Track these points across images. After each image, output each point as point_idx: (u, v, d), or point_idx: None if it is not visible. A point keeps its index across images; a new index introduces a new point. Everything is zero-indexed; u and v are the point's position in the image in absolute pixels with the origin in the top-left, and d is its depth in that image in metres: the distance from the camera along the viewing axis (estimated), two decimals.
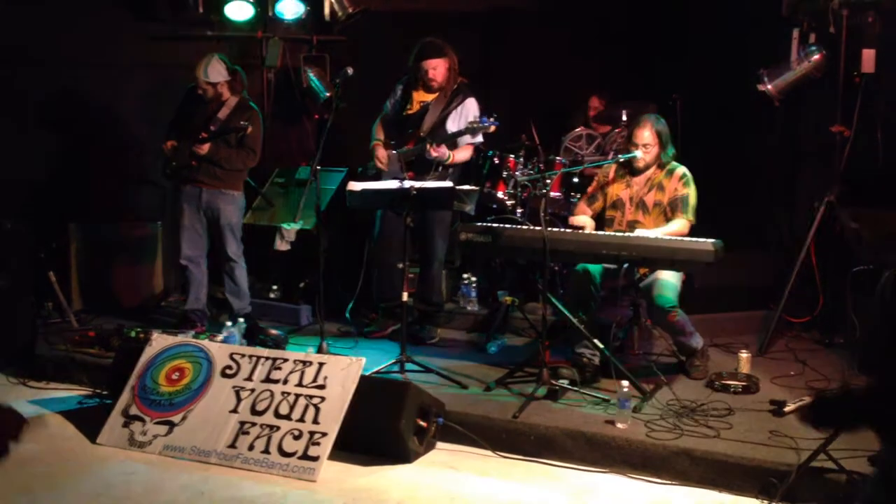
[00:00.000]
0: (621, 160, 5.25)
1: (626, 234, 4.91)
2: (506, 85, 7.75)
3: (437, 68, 5.81)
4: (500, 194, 6.59)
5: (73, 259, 6.74)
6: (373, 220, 6.10)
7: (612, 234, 4.89)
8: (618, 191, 5.26)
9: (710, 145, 6.51)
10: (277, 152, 7.41)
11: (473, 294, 6.55)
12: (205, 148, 5.77)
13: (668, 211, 5.12)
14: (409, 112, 5.97)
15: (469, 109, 5.84)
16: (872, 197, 2.84)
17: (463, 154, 5.86)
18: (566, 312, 4.93)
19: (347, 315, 6.14)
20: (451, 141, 5.76)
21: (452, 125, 5.81)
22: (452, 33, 7.34)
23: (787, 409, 4.43)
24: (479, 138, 5.87)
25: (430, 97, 5.91)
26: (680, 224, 5.03)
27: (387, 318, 6.12)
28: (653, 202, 5.15)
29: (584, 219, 5.26)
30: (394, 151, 5.90)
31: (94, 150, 7.17)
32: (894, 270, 2.62)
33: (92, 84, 7.08)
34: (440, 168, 5.74)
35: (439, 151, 5.68)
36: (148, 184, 7.13)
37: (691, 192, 5.10)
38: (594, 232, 4.99)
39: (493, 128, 5.53)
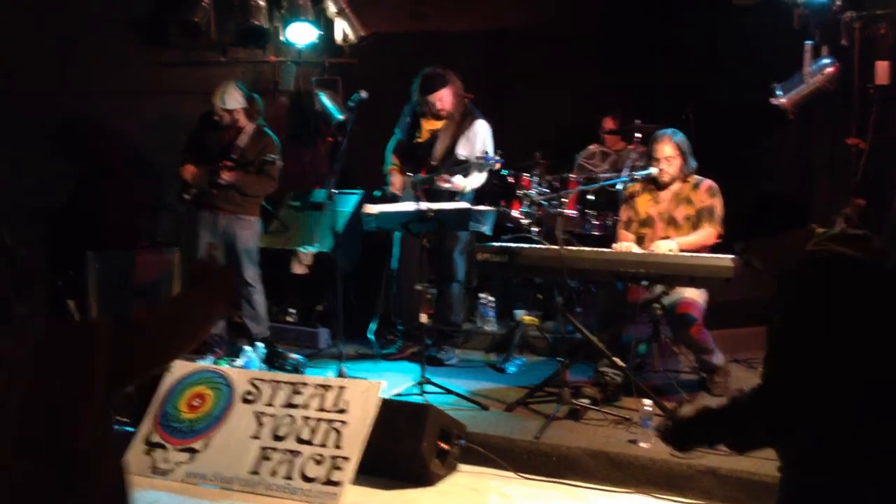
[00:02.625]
0: (637, 177, 5.23)
1: (645, 250, 4.90)
2: (516, 103, 7.77)
3: (443, 98, 5.82)
4: (515, 213, 6.59)
5: (91, 287, 6.75)
6: (390, 241, 6.11)
7: (630, 251, 4.88)
8: (647, 208, 5.24)
9: (724, 160, 6.49)
10: (291, 175, 7.41)
11: (491, 313, 6.55)
12: (232, 176, 5.79)
13: (697, 223, 5.10)
14: (419, 140, 5.99)
15: (478, 132, 5.84)
16: (753, 226, 2.97)
17: (475, 181, 5.85)
18: (584, 332, 4.91)
19: (370, 336, 6.12)
20: (461, 170, 5.77)
21: (463, 150, 5.81)
22: (461, 53, 7.41)
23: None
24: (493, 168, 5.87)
25: (439, 125, 5.92)
26: (706, 233, 5.02)
27: (405, 339, 6.12)
28: (683, 217, 5.12)
29: (628, 244, 5.15)
30: (409, 178, 5.91)
31: (109, 177, 7.21)
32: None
33: (105, 111, 7.12)
34: (455, 197, 5.75)
35: (452, 183, 5.68)
36: (163, 209, 7.16)
37: (718, 203, 5.08)
38: (611, 250, 4.98)
39: (498, 165, 5.53)
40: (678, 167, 5.14)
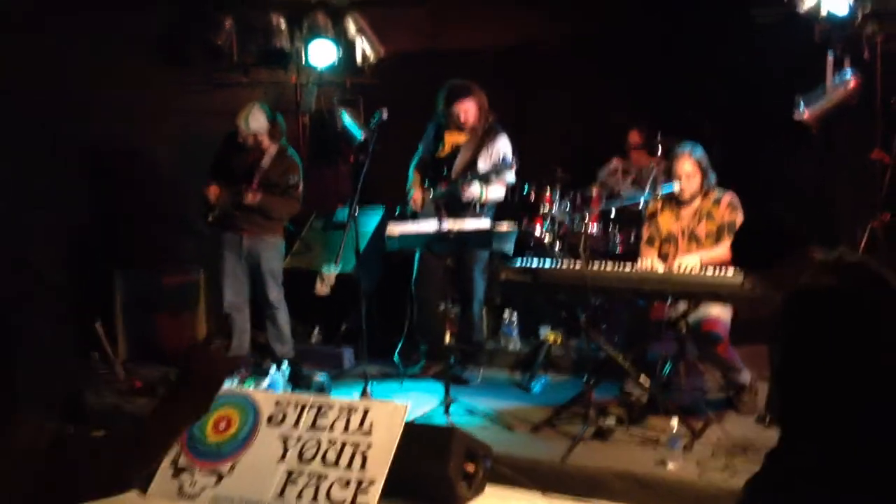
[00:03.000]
0: (660, 195, 5.21)
1: (668, 267, 4.88)
2: (537, 119, 7.76)
3: (468, 110, 5.82)
4: (536, 230, 6.57)
5: (118, 308, 6.81)
6: (412, 261, 6.12)
7: (654, 269, 4.86)
8: (669, 225, 5.23)
9: (747, 174, 6.46)
10: (314, 195, 7.43)
11: (514, 332, 6.53)
12: (257, 197, 5.83)
13: (718, 238, 5.08)
14: (442, 154, 6.00)
15: (499, 148, 5.84)
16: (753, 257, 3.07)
17: (496, 192, 5.85)
18: (610, 351, 4.89)
19: (396, 358, 6.13)
20: (483, 181, 5.76)
21: (483, 164, 5.82)
22: (483, 69, 7.41)
23: None
24: (511, 177, 5.87)
25: (462, 138, 5.93)
26: (727, 247, 4.96)
27: (429, 359, 6.12)
28: (705, 233, 5.10)
29: (652, 261, 5.11)
30: (429, 195, 5.92)
31: (135, 198, 7.26)
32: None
33: (130, 132, 7.19)
34: (475, 207, 5.74)
35: (470, 192, 5.69)
36: (188, 230, 7.20)
37: (739, 217, 5.06)
38: (635, 268, 4.95)
39: (513, 167, 5.51)
40: (698, 183, 5.12)
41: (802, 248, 2.93)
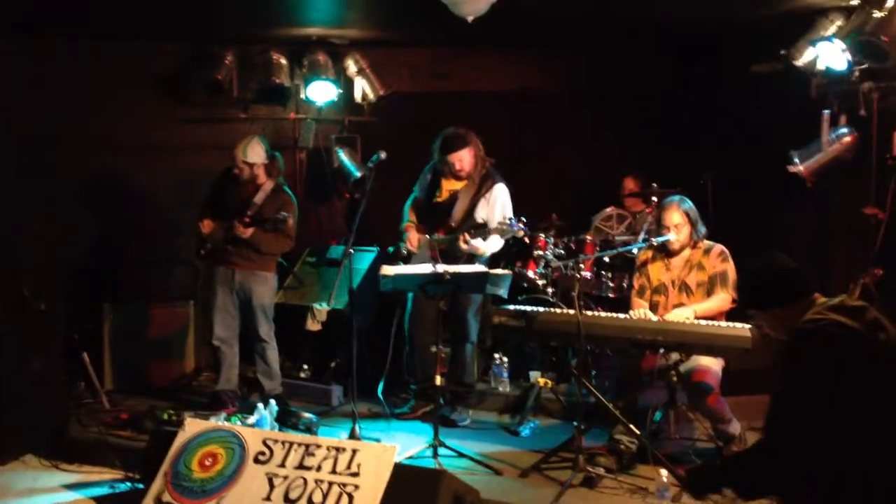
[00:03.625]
0: (655, 243, 5.23)
1: (663, 317, 4.88)
2: (535, 164, 7.81)
3: (462, 159, 5.85)
4: (530, 274, 6.58)
5: (106, 339, 6.78)
6: (404, 300, 6.10)
7: (648, 319, 4.86)
8: (659, 275, 5.24)
9: (742, 226, 6.49)
10: (308, 231, 7.46)
11: (505, 374, 6.51)
12: (248, 232, 5.82)
13: (710, 289, 5.09)
14: (439, 200, 6.02)
15: (497, 196, 5.87)
16: (760, 299, 3.21)
17: (494, 245, 5.85)
18: (600, 398, 4.88)
19: (379, 394, 6.09)
20: (482, 233, 5.78)
21: (482, 212, 5.84)
22: (482, 113, 7.47)
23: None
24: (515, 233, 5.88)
25: (459, 185, 5.95)
26: (720, 299, 5.00)
27: (419, 399, 6.09)
28: (696, 283, 5.11)
29: (645, 311, 5.09)
30: (426, 237, 5.93)
31: (128, 231, 7.29)
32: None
33: (125, 166, 7.22)
34: (473, 259, 5.76)
35: (471, 245, 5.69)
36: (180, 263, 7.20)
37: (730, 268, 5.08)
38: (629, 317, 4.95)
39: (521, 232, 5.54)
40: (687, 234, 5.15)
41: (807, 291, 3.10)
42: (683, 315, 4.83)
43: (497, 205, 5.83)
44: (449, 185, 5.99)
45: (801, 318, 2.98)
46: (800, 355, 2.90)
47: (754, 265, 3.32)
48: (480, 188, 5.87)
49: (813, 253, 6.51)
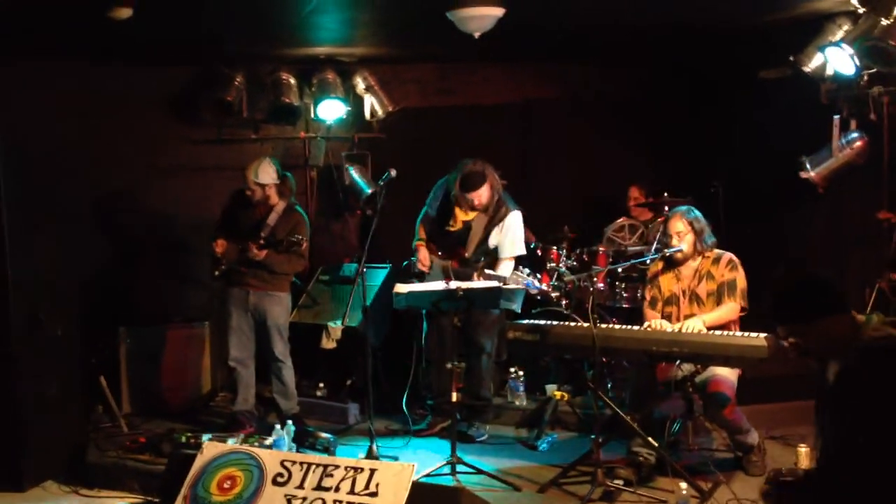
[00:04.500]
0: (668, 254, 5.21)
1: (677, 329, 4.87)
2: (544, 175, 7.82)
3: (481, 196, 5.86)
4: (543, 286, 6.57)
5: (123, 362, 6.80)
6: (420, 317, 6.11)
7: (664, 330, 4.85)
8: (670, 286, 5.22)
9: (754, 233, 6.48)
10: (320, 249, 7.49)
11: (521, 388, 6.49)
12: (262, 254, 5.84)
13: (719, 298, 5.07)
14: (453, 229, 6.04)
15: (510, 225, 5.89)
16: (796, 313, 3.05)
17: (506, 273, 5.84)
18: (617, 410, 4.86)
19: (404, 406, 6.05)
20: (493, 258, 5.81)
21: (494, 240, 5.87)
22: (488, 126, 7.49)
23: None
24: (521, 251, 5.91)
25: (472, 215, 5.97)
26: (728, 308, 4.97)
27: (436, 415, 6.10)
28: (706, 293, 5.09)
29: (661, 321, 5.06)
30: (437, 262, 5.94)
31: (142, 253, 7.32)
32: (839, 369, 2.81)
33: (139, 188, 7.26)
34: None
35: (482, 281, 5.69)
36: (195, 284, 7.22)
37: (739, 277, 5.05)
38: (644, 329, 4.94)
39: (534, 291, 5.58)
40: (690, 243, 5.11)
41: (844, 305, 2.95)
42: (694, 326, 4.81)
43: (510, 233, 5.86)
44: (463, 216, 6.01)
45: (846, 334, 2.83)
46: (878, 374, 2.72)
47: (786, 277, 3.20)
48: (494, 217, 5.90)
49: (826, 259, 6.50)
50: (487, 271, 5.68)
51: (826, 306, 2.99)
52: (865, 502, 2.64)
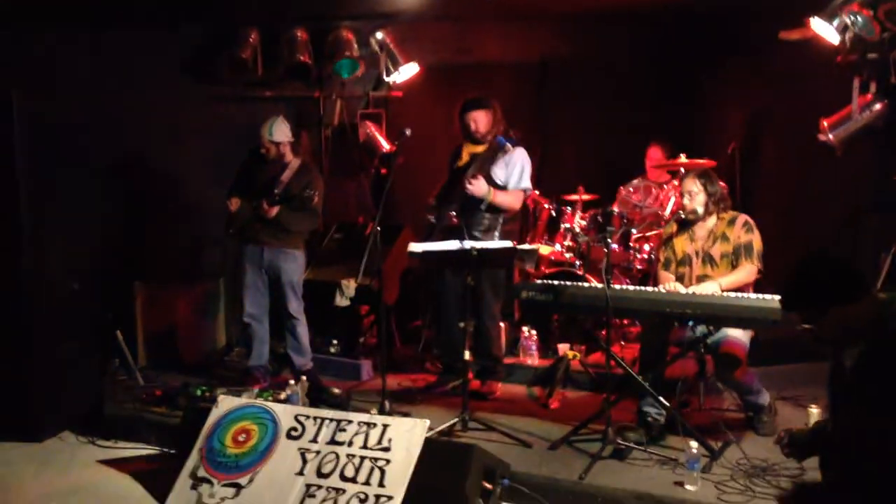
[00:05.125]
0: (683, 217, 5.19)
1: (691, 290, 4.87)
2: (561, 135, 7.78)
3: (478, 119, 5.87)
4: (557, 247, 6.58)
5: (139, 316, 6.87)
6: (432, 275, 6.13)
7: (677, 291, 4.85)
8: (684, 247, 5.21)
9: (770, 195, 6.45)
10: (335, 207, 7.50)
11: (533, 347, 6.52)
12: (274, 211, 5.87)
13: (735, 260, 5.06)
14: (460, 164, 6.03)
15: (516, 159, 5.87)
16: (815, 299, 2.96)
17: (506, 198, 5.84)
18: (629, 370, 4.89)
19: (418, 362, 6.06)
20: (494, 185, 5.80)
21: (500, 173, 5.84)
22: (505, 84, 7.44)
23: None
24: (526, 184, 5.88)
25: (479, 149, 5.96)
26: (746, 271, 4.96)
27: (448, 373, 6.14)
28: (720, 254, 5.08)
29: (675, 284, 5.05)
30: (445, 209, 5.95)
31: (158, 210, 7.34)
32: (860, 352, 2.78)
33: (154, 145, 7.26)
34: (484, 207, 5.75)
35: (475, 184, 5.70)
36: (210, 241, 7.26)
37: (755, 238, 5.03)
38: (658, 290, 4.94)
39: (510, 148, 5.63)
40: (702, 203, 5.09)
41: (866, 288, 2.87)
42: (710, 289, 4.81)
43: (517, 166, 5.83)
44: (469, 149, 6.00)
45: (866, 319, 2.76)
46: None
47: (800, 264, 3.05)
48: (498, 151, 5.88)
49: (843, 223, 6.46)
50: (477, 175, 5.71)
51: (843, 295, 2.92)
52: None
